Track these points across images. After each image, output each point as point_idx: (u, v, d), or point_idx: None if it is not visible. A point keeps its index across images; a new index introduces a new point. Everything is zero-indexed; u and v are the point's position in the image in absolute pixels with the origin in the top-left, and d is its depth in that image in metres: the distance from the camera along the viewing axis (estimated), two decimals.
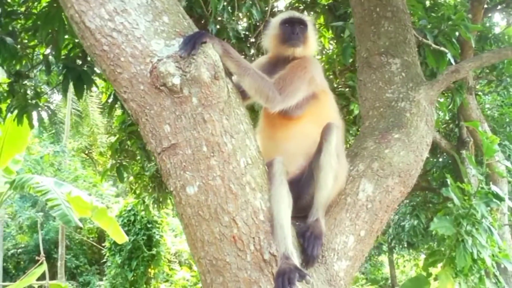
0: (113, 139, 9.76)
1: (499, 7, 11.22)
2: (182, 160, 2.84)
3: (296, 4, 9.58)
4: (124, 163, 9.27)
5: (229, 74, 3.07)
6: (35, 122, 7.72)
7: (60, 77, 7.15)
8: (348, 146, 5.39)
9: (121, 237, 12.54)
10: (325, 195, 3.22)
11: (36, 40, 7.31)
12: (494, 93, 13.40)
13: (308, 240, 3.09)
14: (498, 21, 12.81)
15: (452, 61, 6.23)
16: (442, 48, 6.28)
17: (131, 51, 2.82)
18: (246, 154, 2.93)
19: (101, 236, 22.01)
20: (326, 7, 9.05)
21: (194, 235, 2.93)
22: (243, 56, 3.43)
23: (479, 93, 13.57)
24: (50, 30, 6.55)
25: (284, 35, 3.54)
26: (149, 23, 2.85)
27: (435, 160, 14.08)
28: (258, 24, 8.05)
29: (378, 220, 3.40)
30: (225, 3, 7.23)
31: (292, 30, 3.51)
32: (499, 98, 13.51)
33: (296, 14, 3.70)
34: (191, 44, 2.77)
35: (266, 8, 7.92)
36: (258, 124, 3.61)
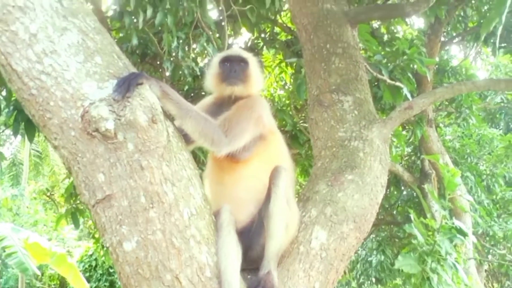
0: (70, 181, 9.30)
1: (455, 40, 11.36)
2: (118, 212, 2.60)
3: (256, 41, 9.47)
4: (80, 207, 8.74)
5: (170, 117, 2.82)
6: None
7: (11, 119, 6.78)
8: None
9: (82, 285, 12.13)
10: (276, 245, 3.00)
11: None
12: (454, 125, 13.51)
13: None
14: (455, 53, 12.99)
15: (409, 95, 6.17)
16: (398, 83, 6.18)
17: (61, 95, 2.58)
18: (190, 203, 2.71)
19: (63, 282, 21.14)
20: (284, 43, 8.97)
21: None
22: (202, 94, 3.16)
23: (440, 125, 13.67)
24: None
25: (223, 73, 3.35)
26: (80, 64, 2.63)
27: (399, 193, 14.01)
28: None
29: (334, 270, 3.20)
30: (180, 41, 7.01)
31: (231, 68, 3.33)
32: (459, 130, 13.61)
33: (235, 51, 3.53)
34: (126, 85, 2.55)
35: (222, 46, 7.75)
36: (206, 167, 3.37)
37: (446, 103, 11.25)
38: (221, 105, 3.30)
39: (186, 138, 2.95)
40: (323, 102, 4.05)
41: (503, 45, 9.57)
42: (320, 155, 3.82)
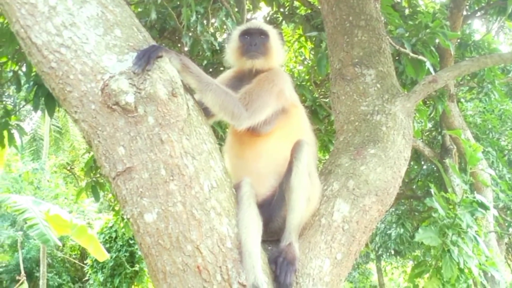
0: (89, 154, 9.39)
1: (478, 14, 11.11)
2: (139, 185, 2.61)
3: (275, 15, 9.35)
4: (100, 181, 8.78)
5: (190, 90, 2.80)
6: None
7: (31, 94, 6.82)
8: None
9: (102, 255, 12.32)
10: (297, 218, 2.98)
11: (5, 57, 6.96)
12: (476, 100, 13.30)
13: (281, 267, 2.86)
14: (478, 28, 12.72)
15: (432, 69, 6.04)
16: (421, 57, 6.06)
17: (81, 68, 2.59)
18: (211, 176, 2.70)
19: (83, 253, 21.54)
20: (304, 17, 8.83)
21: (155, 266, 2.69)
22: (221, 69, 3.13)
23: (461, 100, 13.46)
24: (17, 47, 6.23)
25: (243, 47, 3.32)
26: (100, 37, 2.62)
27: (419, 168, 13.90)
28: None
29: (356, 242, 3.17)
30: (198, 16, 6.95)
31: (251, 41, 3.29)
32: (481, 105, 13.40)
33: (255, 24, 3.49)
34: (146, 58, 2.54)
35: (241, 20, 7.67)
36: (226, 141, 3.37)
37: (468, 77, 11.06)
38: (242, 79, 3.28)
39: (206, 112, 2.95)
40: (345, 75, 3.98)
41: None
42: (343, 129, 3.77)
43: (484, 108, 13.44)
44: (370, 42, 4.12)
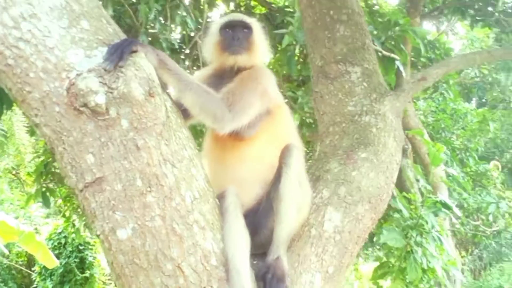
0: (38, 160, 9.21)
1: (433, 13, 11.18)
2: (111, 197, 2.36)
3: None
4: (50, 187, 8.71)
5: (165, 89, 2.56)
6: None
7: None
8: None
9: (51, 262, 12.04)
10: (286, 230, 2.79)
11: None
12: (428, 100, 13.53)
13: (270, 285, 2.67)
14: (428, 28, 12.85)
15: (401, 68, 5.95)
16: (393, 55, 5.95)
17: (42, 65, 2.31)
18: (193, 186, 2.48)
19: (30, 259, 20.96)
20: (263, 16, 8.67)
21: None
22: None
23: (414, 100, 13.71)
24: None
25: (224, 41, 3.08)
26: (64, 30, 2.35)
27: None
28: (193, 34, 7.66)
29: (348, 254, 3.00)
30: (156, 12, 6.73)
31: (233, 35, 3.05)
32: (434, 104, 13.66)
33: (237, 16, 3.24)
34: (118, 53, 2.29)
35: (200, 20, 7.51)
36: (204, 146, 3.12)
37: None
38: (222, 77, 3.05)
39: (184, 114, 2.70)
40: (328, 73, 3.79)
41: (480, 18, 9.50)
42: (328, 131, 3.58)
43: (436, 107, 13.70)
44: (353, 38, 3.94)
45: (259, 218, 2.85)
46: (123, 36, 2.51)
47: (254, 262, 2.79)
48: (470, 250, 19.04)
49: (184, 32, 7.87)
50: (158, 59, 2.47)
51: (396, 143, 3.41)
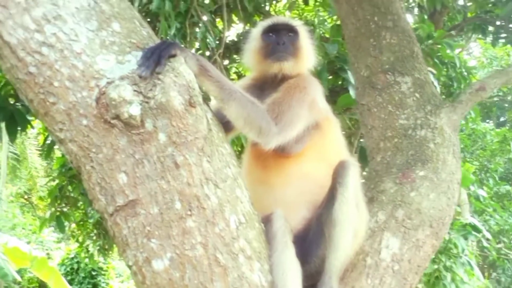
0: (53, 183, 9.12)
1: (453, 31, 11.04)
2: (146, 222, 2.12)
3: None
4: (64, 211, 8.55)
5: (205, 99, 2.33)
6: None
7: None
8: None
9: None
10: (341, 258, 2.53)
11: None
12: None
13: None
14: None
15: (436, 83, 5.73)
16: (430, 69, 5.72)
17: (68, 72, 2.09)
18: (238, 209, 2.24)
19: (42, 285, 20.98)
20: None
21: None
22: None
23: None
24: None
25: (267, 47, 2.85)
26: (93, 33, 2.14)
27: None
28: (208, 53, 7.53)
29: (407, 285, 2.76)
30: (175, 30, 6.59)
31: (278, 40, 2.82)
32: None
33: (282, 19, 3.04)
34: (155, 58, 2.06)
35: (221, 35, 7.42)
36: (243, 163, 2.87)
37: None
38: (263, 88, 2.83)
39: (223, 127, 2.47)
40: (376, 84, 3.56)
41: (502, 35, 9.39)
42: (379, 147, 3.33)
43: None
44: (400, 46, 3.71)
45: (309, 245, 2.59)
46: (157, 39, 2.30)
47: None
48: (487, 273, 18.76)
49: (201, 51, 7.75)
50: (199, 64, 2.25)
51: (455, 160, 3.15)
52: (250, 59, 2.93)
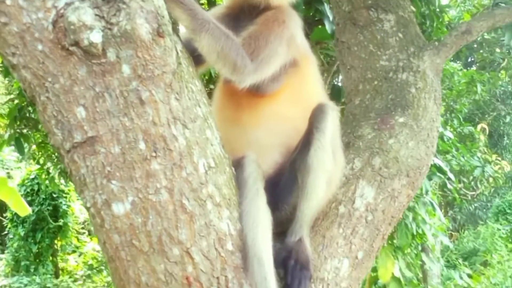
0: (13, 104, 8.87)
1: None
2: (106, 162, 1.96)
3: None
4: (24, 132, 8.42)
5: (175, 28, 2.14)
6: None
7: None
8: None
9: (24, 209, 11.94)
10: (313, 207, 2.44)
11: None
12: None
13: (292, 273, 2.34)
14: None
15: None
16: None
17: None
18: (207, 152, 2.09)
19: (2, 205, 20.85)
20: None
21: (124, 274, 2.07)
22: None
23: None
24: None
25: None
26: None
27: None
28: None
29: (380, 236, 2.67)
30: None
31: None
32: None
33: None
34: None
35: None
36: (214, 101, 2.69)
37: None
38: (238, 18, 2.62)
39: (194, 60, 2.28)
40: (357, 20, 3.37)
41: None
42: (357, 89, 3.18)
43: None
44: None
45: (280, 192, 2.47)
46: None
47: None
48: (444, 211, 19.45)
49: None
50: None
51: (436, 107, 3.04)
52: None
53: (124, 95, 1.91)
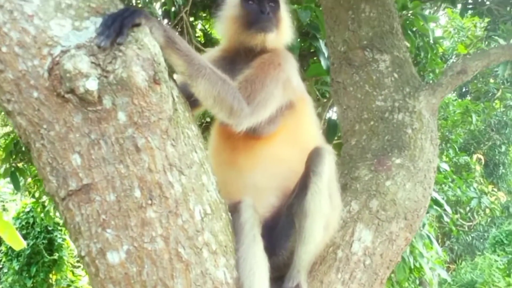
0: (9, 138, 8.91)
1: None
2: (101, 210, 1.94)
3: None
4: (20, 166, 8.48)
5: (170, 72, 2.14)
6: None
7: None
8: None
9: (19, 243, 11.84)
10: (311, 252, 2.43)
11: None
12: None
13: None
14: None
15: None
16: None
17: (18, 37, 1.87)
18: (203, 199, 2.08)
19: None
20: None
21: None
22: None
23: None
24: None
25: (248, 16, 2.63)
26: None
27: None
28: (179, 9, 7.33)
29: (378, 281, 2.67)
30: None
31: (261, 8, 2.60)
32: None
33: None
34: (117, 26, 1.85)
35: None
36: (210, 143, 2.69)
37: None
38: (234, 61, 2.63)
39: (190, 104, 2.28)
40: (353, 60, 3.39)
41: (471, 6, 9.44)
42: (354, 130, 3.19)
43: None
44: (380, 20, 3.54)
45: (277, 236, 2.45)
46: (120, 4, 2.08)
47: None
48: (441, 241, 19.40)
49: (165, 7, 7.47)
50: (166, 36, 2.04)
51: (433, 147, 3.04)
52: (226, 28, 2.71)
53: (119, 142, 1.90)
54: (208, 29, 8.62)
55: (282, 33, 2.66)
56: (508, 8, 8.79)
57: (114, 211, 1.92)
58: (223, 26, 2.74)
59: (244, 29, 2.60)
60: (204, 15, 8.26)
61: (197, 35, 8.68)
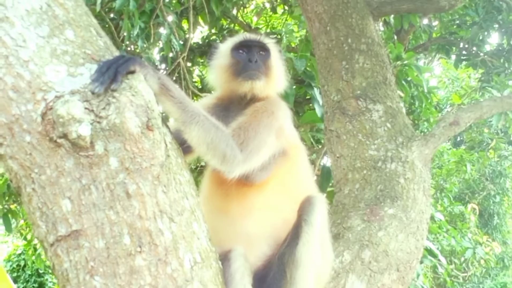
0: (1, 180, 8.80)
1: (418, 50, 11.19)
2: (89, 257, 1.91)
3: (213, 37, 8.86)
4: (12, 208, 8.47)
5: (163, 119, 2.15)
6: None
7: None
8: None
9: (8, 286, 11.63)
10: None
11: None
12: None
13: None
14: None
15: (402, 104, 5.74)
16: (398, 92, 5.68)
17: (12, 82, 1.89)
18: (193, 247, 2.05)
19: None
20: None
21: None
22: None
23: None
24: None
25: (237, 64, 2.69)
26: (43, 39, 1.93)
27: None
28: (176, 55, 7.46)
29: None
30: (139, 30, 6.39)
31: (249, 57, 2.65)
32: None
33: (253, 35, 2.85)
34: (111, 73, 1.88)
35: (186, 37, 7.33)
36: (202, 190, 2.68)
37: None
38: (228, 109, 2.66)
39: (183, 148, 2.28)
40: (346, 110, 3.43)
41: (465, 57, 9.66)
42: (347, 178, 3.20)
43: None
44: (373, 71, 3.60)
45: (268, 287, 2.42)
46: (116, 51, 2.10)
47: None
48: None
49: (163, 53, 7.56)
50: (160, 83, 2.06)
51: (425, 198, 3.05)
52: (217, 76, 2.76)
53: (110, 188, 1.89)
54: (205, 75, 8.72)
55: (273, 81, 2.70)
56: (501, 60, 8.95)
57: (102, 258, 1.89)
58: (215, 75, 2.78)
59: (234, 77, 2.65)
60: (201, 61, 8.38)
61: (194, 80, 8.77)
